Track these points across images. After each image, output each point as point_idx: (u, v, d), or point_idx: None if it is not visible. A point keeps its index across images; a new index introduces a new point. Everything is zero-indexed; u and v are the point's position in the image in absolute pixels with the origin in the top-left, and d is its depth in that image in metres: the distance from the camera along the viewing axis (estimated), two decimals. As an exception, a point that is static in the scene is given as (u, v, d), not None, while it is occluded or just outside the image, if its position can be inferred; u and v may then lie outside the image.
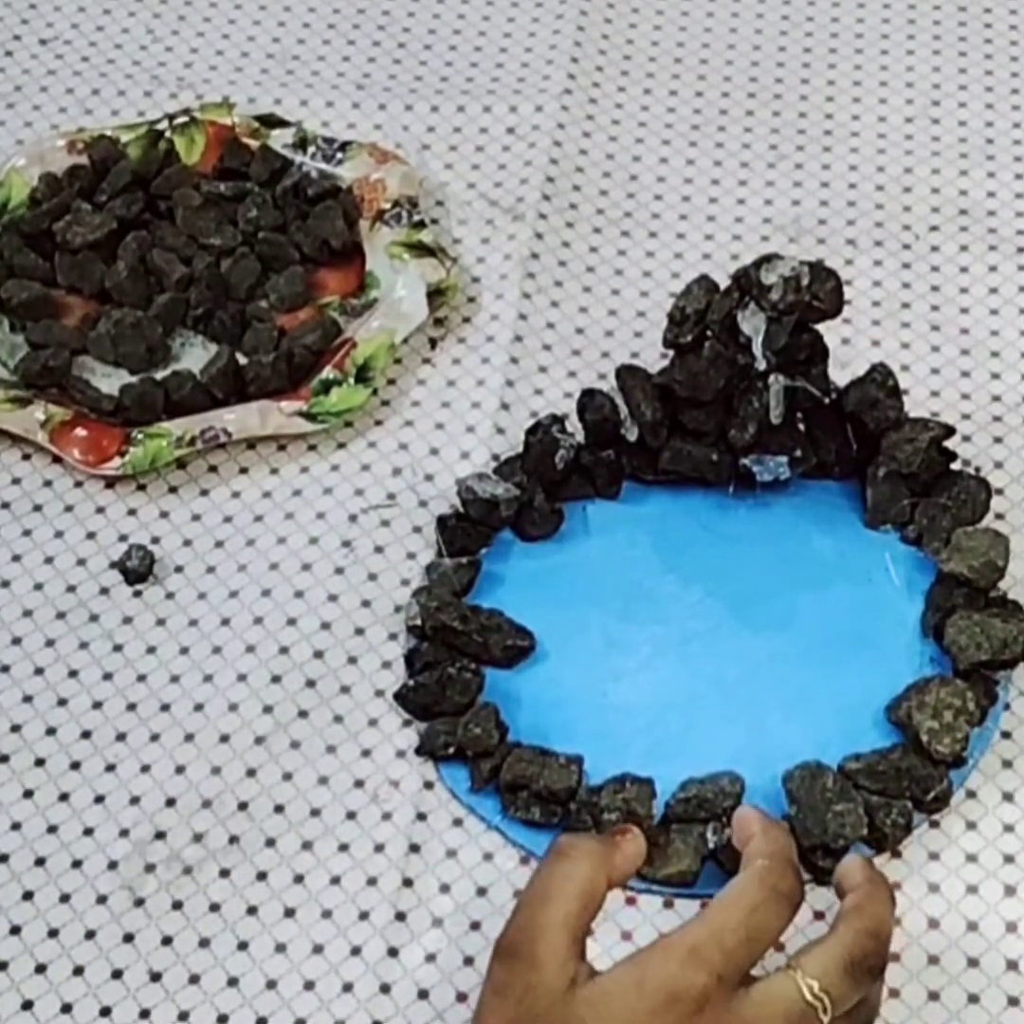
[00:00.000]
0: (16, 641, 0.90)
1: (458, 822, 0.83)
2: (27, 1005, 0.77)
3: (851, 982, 0.67)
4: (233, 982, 0.78)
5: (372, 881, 0.81)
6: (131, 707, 0.87)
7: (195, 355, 1.02)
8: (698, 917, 0.66)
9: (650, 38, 1.20)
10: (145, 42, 1.21)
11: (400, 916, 0.80)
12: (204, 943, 0.79)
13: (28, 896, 0.81)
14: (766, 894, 0.67)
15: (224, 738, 0.86)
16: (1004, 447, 0.96)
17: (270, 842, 0.82)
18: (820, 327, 0.89)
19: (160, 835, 0.83)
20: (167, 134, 1.10)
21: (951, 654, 0.85)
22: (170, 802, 0.84)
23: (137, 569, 0.92)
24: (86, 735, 0.86)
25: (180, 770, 0.85)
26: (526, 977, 0.65)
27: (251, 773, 0.84)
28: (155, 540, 0.94)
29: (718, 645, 0.88)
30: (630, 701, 0.86)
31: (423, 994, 0.77)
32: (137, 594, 0.92)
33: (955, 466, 0.92)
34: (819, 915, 0.79)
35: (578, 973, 0.65)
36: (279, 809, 0.83)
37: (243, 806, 0.83)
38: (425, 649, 0.87)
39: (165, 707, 0.87)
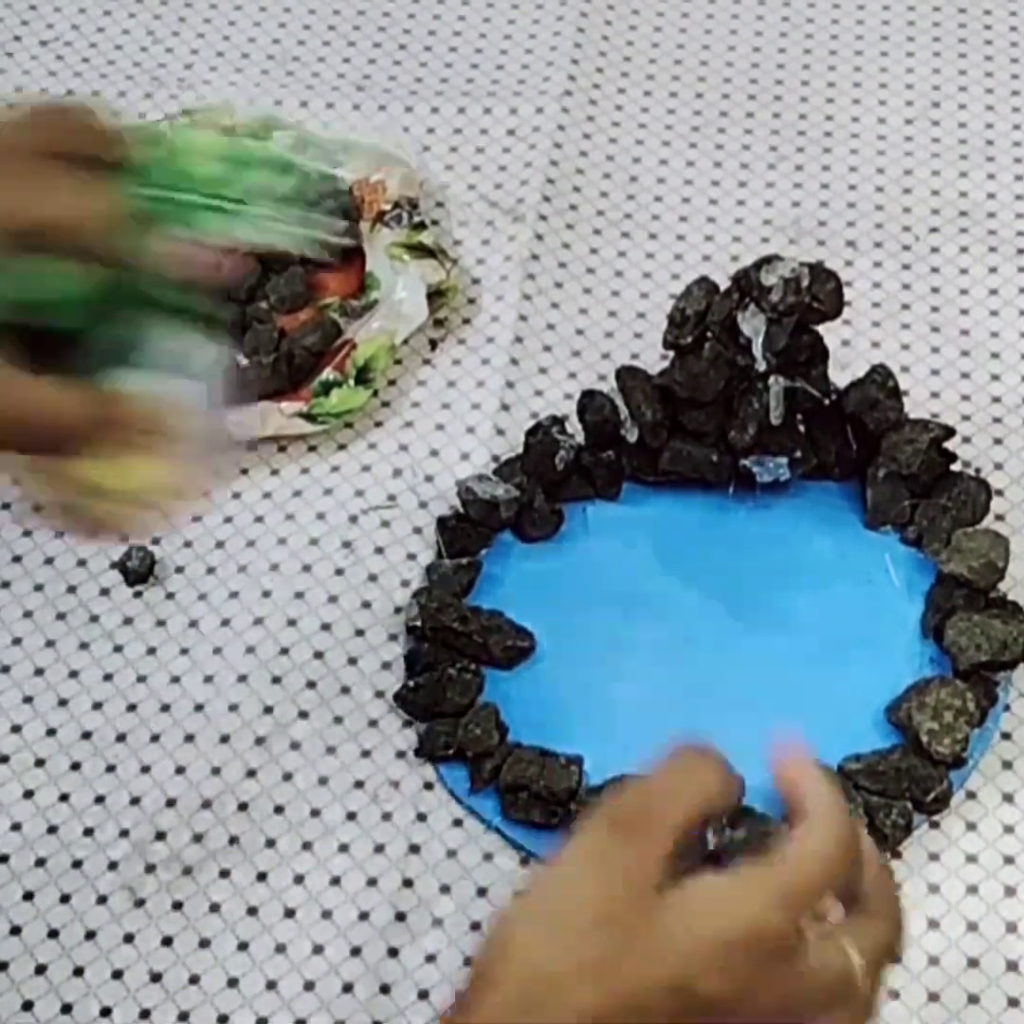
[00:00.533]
0: (16, 641, 0.90)
1: (458, 823, 0.83)
2: (27, 1005, 0.77)
3: (887, 964, 0.66)
4: (233, 982, 0.78)
5: (372, 882, 0.81)
6: (131, 707, 0.87)
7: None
8: (790, 857, 0.64)
9: (650, 38, 1.20)
10: (145, 43, 1.21)
11: (400, 916, 0.80)
12: (204, 944, 0.79)
13: (28, 896, 0.81)
14: (853, 855, 0.65)
15: (224, 739, 0.86)
16: (1004, 448, 0.96)
17: (270, 843, 0.82)
18: (820, 328, 0.89)
19: (160, 836, 0.83)
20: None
21: (951, 655, 0.85)
22: (170, 803, 0.84)
23: (137, 570, 0.92)
24: (86, 736, 0.86)
25: (180, 771, 0.85)
26: (634, 855, 0.63)
27: (251, 774, 0.85)
28: (155, 541, 0.94)
29: (718, 646, 0.88)
30: (630, 701, 0.86)
31: (423, 994, 0.77)
32: (137, 595, 0.92)
33: (955, 467, 0.92)
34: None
35: (665, 876, 0.64)
36: (279, 810, 0.83)
37: (243, 807, 0.83)
38: (425, 650, 0.87)
39: (165, 707, 0.87)
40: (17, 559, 0.93)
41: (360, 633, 0.89)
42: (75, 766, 0.85)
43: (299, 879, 0.81)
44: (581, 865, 0.61)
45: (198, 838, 0.82)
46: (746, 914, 0.61)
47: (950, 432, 0.91)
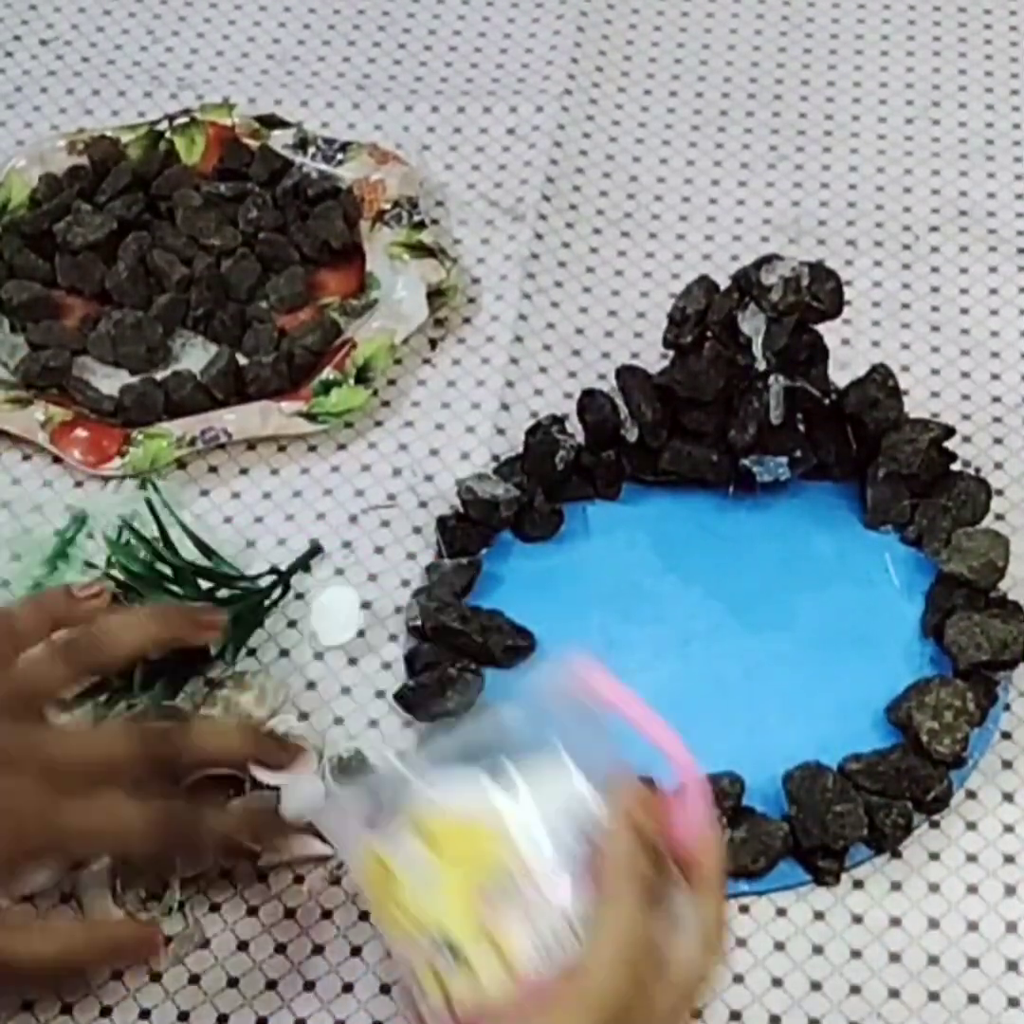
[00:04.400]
0: None
1: (458, 822, 0.83)
2: (27, 1005, 0.77)
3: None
4: (233, 982, 0.78)
5: (372, 881, 0.81)
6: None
7: (195, 356, 1.02)
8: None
9: (650, 38, 1.20)
10: (145, 43, 1.21)
11: (400, 916, 0.80)
12: (204, 944, 0.79)
13: (28, 898, 0.81)
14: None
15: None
16: (1004, 448, 0.96)
17: (270, 843, 0.82)
18: (820, 328, 0.89)
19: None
20: (167, 135, 1.10)
21: (951, 654, 0.85)
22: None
23: (137, 570, 0.92)
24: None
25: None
26: None
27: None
28: (155, 541, 0.94)
29: (718, 645, 0.88)
30: (630, 701, 0.86)
31: (423, 994, 0.77)
32: (137, 595, 0.92)
33: (955, 467, 0.92)
34: (819, 915, 0.79)
35: None
36: (279, 810, 0.83)
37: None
38: (425, 650, 0.87)
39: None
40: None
41: (360, 633, 0.89)
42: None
43: (299, 879, 0.81)
44: None
45: (198, 838, 0.82)
46: None
47: (950, 432, 0.92)
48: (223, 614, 0.83)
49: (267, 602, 0.88)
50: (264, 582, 0.88)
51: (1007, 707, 0.85)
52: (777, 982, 0.77)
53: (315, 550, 0.92)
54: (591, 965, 0.61)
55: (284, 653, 0.88)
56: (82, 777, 0.72)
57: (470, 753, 0.64)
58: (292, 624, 0.89)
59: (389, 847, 0.63)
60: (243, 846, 0.78)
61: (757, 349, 0.88)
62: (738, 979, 0.77)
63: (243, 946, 0.79)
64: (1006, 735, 0.85)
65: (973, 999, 0.77)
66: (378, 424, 0.99)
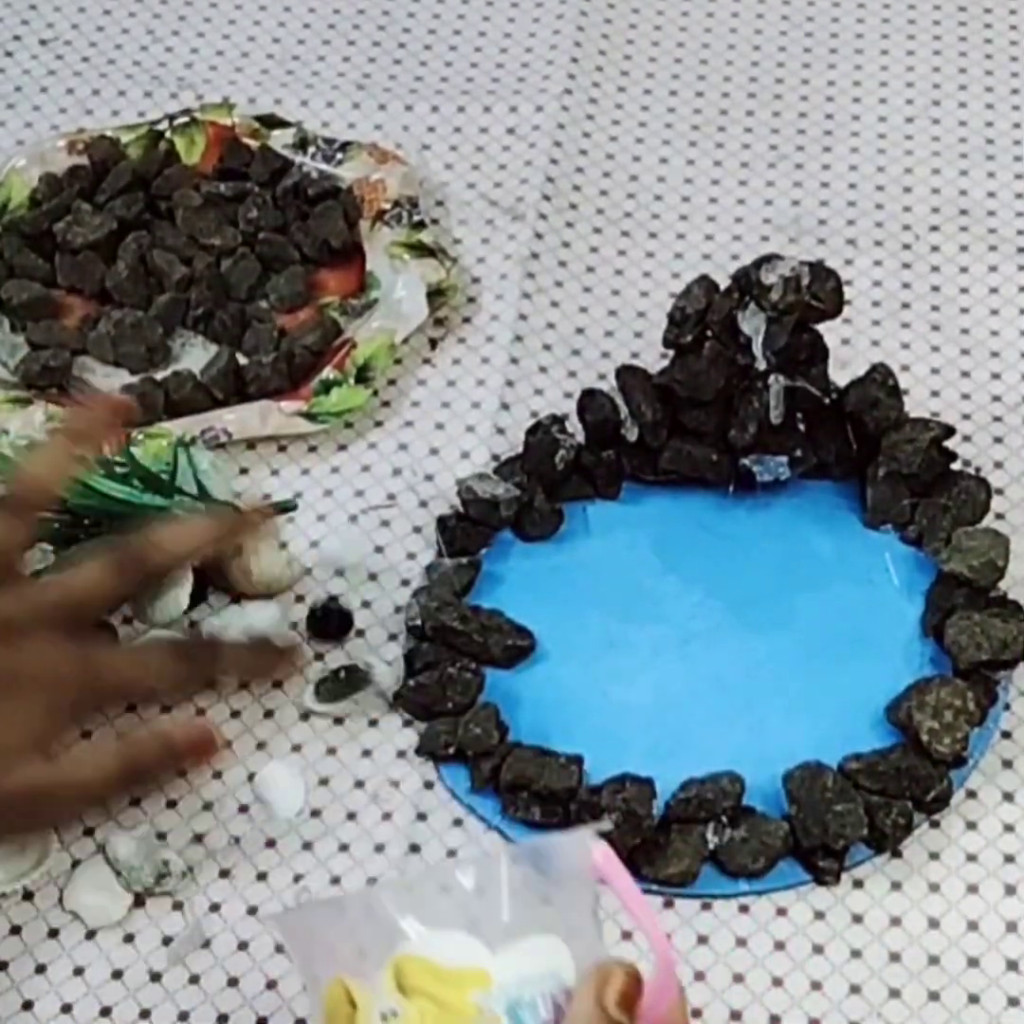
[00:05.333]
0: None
1: (458, 822, 0.83)
2: (27, 1005, 0.77)
3: None
4: (233, 982, 0.78)
5: (372, 881, 0.81)
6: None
7: (195, 355, 1.02)
8: None
9: (650, 38, 1.20)
10: (145, 42, 1.21)
11: (400, 916, 0.80)
12: (204, 943, 0.79)
13: (28, 897, 0.81)
14: None
15: (227, 744, 0.85)
16: (1004, 447, 0.96)
17: (270, 843, 0.82)
18: (820, 327, 0.89)
19: (161, 836, 0.82)
20: (167, 134, 1.10)
21: (951, 654, 0.85)
22: (171, 804, 0.84)
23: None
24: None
25: (181, 772, 0.84)
26: None
27: (251, 776, 0.84)
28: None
29: (718, 645, 0.88)
30: (630, 701, 0.86)
31: (423, 994, 0.77)
32: (138, 594, 0.92)
33: (955, 466, 0.92)
34: (819, 915, 0.79)
35: None
36: (279, 809, 0.84)
37: (244, 808, 0.83)
38: (425, 649, 0.87)
39: (165, 709, 0.87)
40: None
41: (360, 633, 0.89)
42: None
43: (299, 878, 0.81)
44: None
45: (199, 838, 0.82)
46: None
47: (950, 431, 0.91)
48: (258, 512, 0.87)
49: None
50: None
51: (1007, 707, 0.85)
52: (777, 982, 0.77)
53: (288, 506, 0.92)
54: None
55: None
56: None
57: (461, 907, 0.62)
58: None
59: (364, 986, 0.60)
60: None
61: (757, 349, 0.88)
62: (738, 979, 0.77)
63: (243, 946, 0.79)
64: (1006, 735, 0.85)
65: (973, 999, 0.77)
66: (378, 424, 0.99)
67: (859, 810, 0.79)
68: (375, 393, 0.99)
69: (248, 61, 1.19)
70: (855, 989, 0.77)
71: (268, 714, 0.87)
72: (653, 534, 0.93)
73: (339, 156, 1.09)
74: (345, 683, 0.86)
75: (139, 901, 0.80)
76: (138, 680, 0.72)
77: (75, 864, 0.81)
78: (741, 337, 0.88)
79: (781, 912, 0.79)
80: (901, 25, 1.20)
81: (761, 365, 0.88)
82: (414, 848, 0.82)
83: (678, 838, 0.80)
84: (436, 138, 1.13)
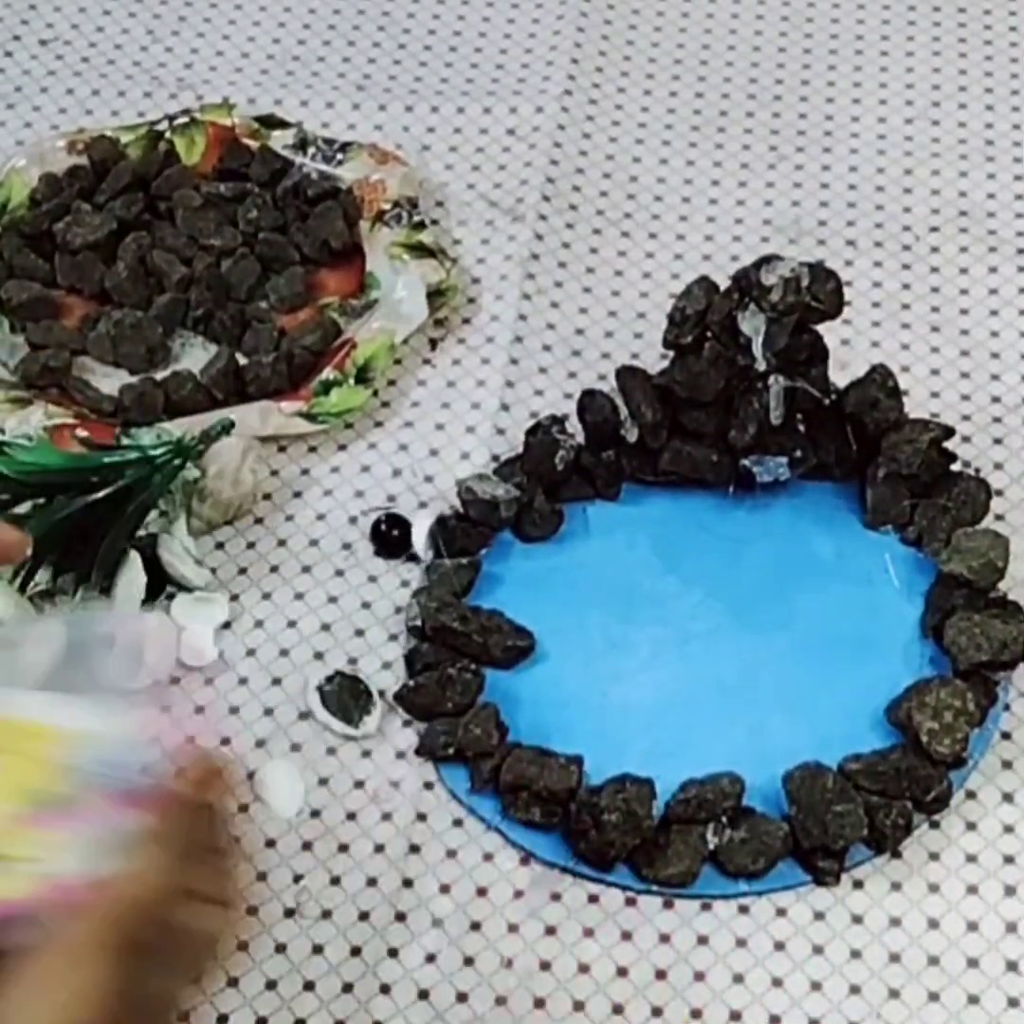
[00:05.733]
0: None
1: (458, 823, 0.83)
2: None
3: None
4: (233, 982, 0.78)
5: (372, 881, 0.81)
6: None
7: (195, 355, 1.02)
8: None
9: (650, 38, 1.20)
10: (145, 43, 1.21)
11: (400, 916, 0.80)
12: (204, 944, 0.79)
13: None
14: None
15: (224, 741, 0.86)
16: (1004, 448, 0.96)
17: (270, 843, 0.82)
18: (820, 328, 0.89)
19: (160, 836, 0.82)
20: (167, 135, 1.10)
21: (951, 655, 0.85)
22: (170, 803, 0.84)
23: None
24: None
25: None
26: None
27: (251, 776, 0.84)
28: (155, 541, 0.94)
29: (718, 646, 0.88)
30: (630, 701, 0.86)
31: (423, 994, 0.77)
32: (137, 595, 0.92)
33: (955, 467, 0.92)
34: (819, 916, 0.79)
35: None
36: (279, 810, 0.84)
37: (244, 808, 0.83)
38: (425, 650, 0.87)
39: (164, 709, 0.87)
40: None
41: (360, 634, 0.89)
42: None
43: (299, 879, 0.81)
44: None
45: (198, 838, 0.82)
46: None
47: (950, 432, 0.91)
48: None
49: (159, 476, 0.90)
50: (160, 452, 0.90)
51: (1007, 707, 0.85)
52: (777, 982, 0.77)
53: (227, 426, 0.93)
54: (124, 880, 0.61)
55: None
56: None
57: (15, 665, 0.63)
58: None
59: None
60: None
61: (757, 349, 0.88)
62: (738, 979, 0.77)
63: (243, 946, 0.79)
64: (1006, 735, 0.85)
65: (973, 999, 0.77)
66: (378, 424, 0.99)
67: (859, 811, 0.79)
68: (375, 393, 0.99)
69: (248, 61, 1.19)
70: (855, 989, 0.77)
71: (267, 712, 0.87)
72: (653, 535, 0.93)
73: (339, 157, 1.09)
74: (347, 692, 0.86)
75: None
76: None
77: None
78: (741, 338, 0.88)
79: (781, 913, 0.79)
80: (901, 26, 1.20)
81: (761, 366, 0.88)
82: (414, 849, 0.82)
83: (678, 839, 0.80)
84: (436, 138, 1.13)
